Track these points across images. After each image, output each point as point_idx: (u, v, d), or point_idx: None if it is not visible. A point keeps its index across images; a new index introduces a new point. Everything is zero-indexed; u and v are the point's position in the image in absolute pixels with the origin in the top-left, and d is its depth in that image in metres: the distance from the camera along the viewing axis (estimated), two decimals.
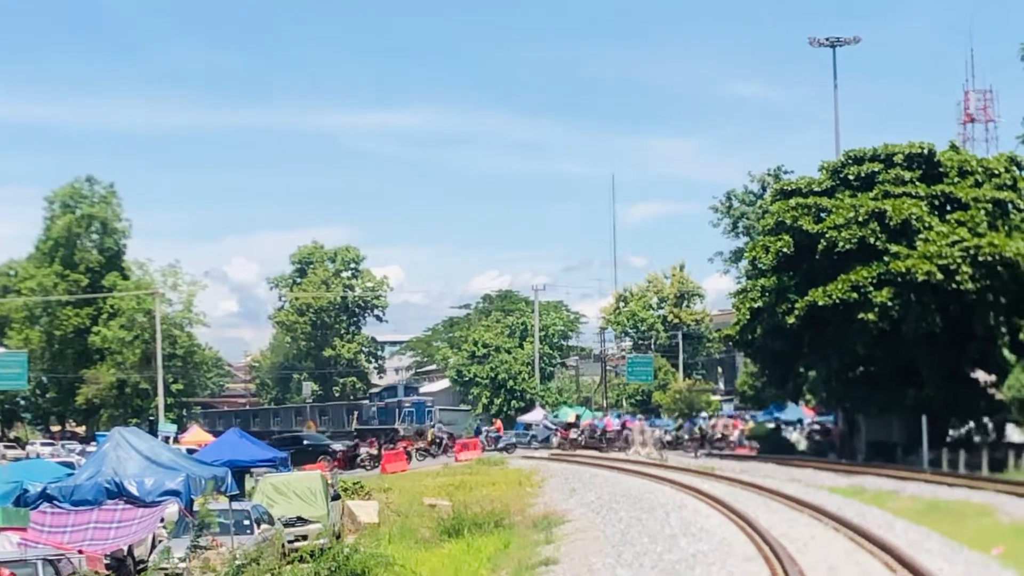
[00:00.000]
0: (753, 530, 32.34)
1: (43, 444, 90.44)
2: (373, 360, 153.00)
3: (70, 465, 50.95)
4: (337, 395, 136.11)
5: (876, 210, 57.10)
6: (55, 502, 29.85)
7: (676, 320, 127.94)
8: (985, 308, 56.78)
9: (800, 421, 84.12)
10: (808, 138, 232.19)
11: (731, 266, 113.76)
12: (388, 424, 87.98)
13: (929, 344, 57.37)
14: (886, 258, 56.08)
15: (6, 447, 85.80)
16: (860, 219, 57.27)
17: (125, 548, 30.13)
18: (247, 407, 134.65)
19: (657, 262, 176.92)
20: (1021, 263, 54.82)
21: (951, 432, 59.04)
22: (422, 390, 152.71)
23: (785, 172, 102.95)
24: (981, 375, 61.16)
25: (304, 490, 38.66)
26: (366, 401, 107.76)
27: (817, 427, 77.33)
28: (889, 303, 55.28)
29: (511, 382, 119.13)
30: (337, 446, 77.88)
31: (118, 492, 29.95)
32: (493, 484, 56.74)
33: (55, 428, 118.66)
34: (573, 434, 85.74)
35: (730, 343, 76.15)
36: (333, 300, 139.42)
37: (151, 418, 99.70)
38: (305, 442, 77.84)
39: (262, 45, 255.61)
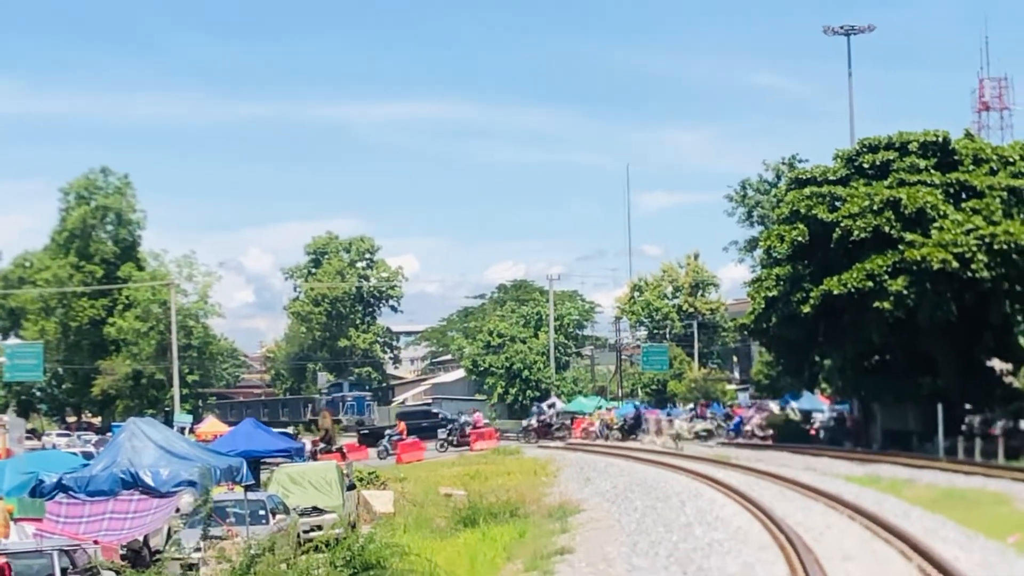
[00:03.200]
0: (768, 519, 32.33)
1: (59, 435, 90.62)
2: (388, 350, 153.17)
3: (87, 455, 51.10)
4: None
5: (891, 198, 56.98)
6: (70, 493, 29.89)
7: (691, 309, 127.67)
8: (1000, 296, 56.68)
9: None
10: (823, 127, 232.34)
11: (746, 255, 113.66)
12: (333, 416, 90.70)
13: (944, 333, 57.25)
14: (901, 247, 55.94)
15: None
16: (875, 208, 57.15)
17: (141, 538, 30.18)
18: (263, 397, 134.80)
19: (672, 251, 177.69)
20: None
21: (966, 420, 58.91)
22: (437, 380, 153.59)
23: (800, 161, 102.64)
24: (997, 363, 61.06)
25: (319, 480, 38.66)
26: (317, 396, 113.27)
27: (834, 415, 77.16)
28: (904, 292, 55.16)
29: (526, 372, 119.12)
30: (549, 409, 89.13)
31: (133, 482, 30.00)
32: (508, 474, 56.78)
33: (71, 419, 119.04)
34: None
35: (745, 332, 76.07)
36: (348, 290, 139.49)
37: (167, 409, 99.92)
38: (438, 413, 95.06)
39: (277, 36, 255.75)
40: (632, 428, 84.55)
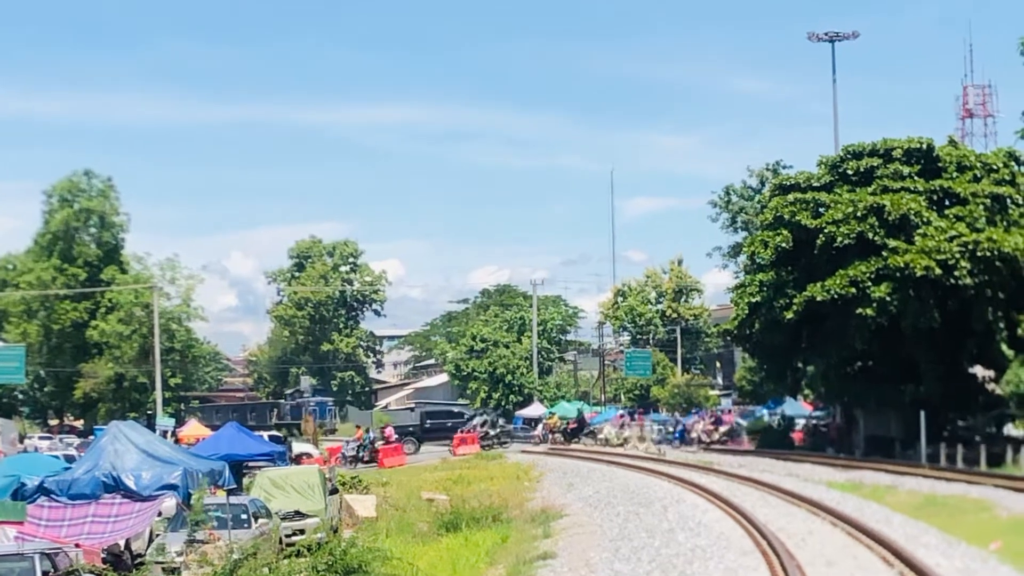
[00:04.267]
0: (751, 524, 32.37)
1: (41, 438, 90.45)
2: (371, 354, 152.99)
3: (69, 459, 50.99)
4: (336, 389, 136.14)
5: (874, 205, 57.10)
6: (52, 496, 29.85)
7: (674, 315, 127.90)
8: (983, 303, 56.74)
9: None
10: (807, 133, 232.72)
11: (729, 261, 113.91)
12: (297, 420, 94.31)
13: (927, 339, 57.36)
14: (884, 253, 56.07)
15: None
16: (858, 214, 57.27)
17: (122, 542, 30.11)
18: (245, 401, 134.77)
19: (656, 257, 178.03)
20: (1019, 258, 54.85)
21: (949, 427, 58.97)
22: (420, 385, 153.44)
23: (784, 167, 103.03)
24: (979, 370, 61.15)
25: (302, 484, 38.61)
26: (282, 400, 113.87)
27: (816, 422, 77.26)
28: (887, 298, 55.28)
29: (509, 376, 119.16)
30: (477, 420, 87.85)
31: (115, 486, 29.96)
32: (491, 478, 56.74)
33: (53, 422, 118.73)
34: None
35: (728, 338, 76.08)
36: (331, 294, 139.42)
37: (149, 412, 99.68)
38: (462, 413, 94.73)
39: (261, 40, 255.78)
40: (575, 432, 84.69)
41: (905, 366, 59.12)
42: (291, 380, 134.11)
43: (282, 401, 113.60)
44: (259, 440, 51.80)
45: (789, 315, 59.58)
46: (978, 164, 59.59)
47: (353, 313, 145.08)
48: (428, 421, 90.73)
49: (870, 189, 58.85)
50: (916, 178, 58.89)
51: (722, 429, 77.94)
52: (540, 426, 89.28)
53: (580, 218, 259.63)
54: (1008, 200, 58.16)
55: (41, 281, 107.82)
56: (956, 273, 54.56)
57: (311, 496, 38.06)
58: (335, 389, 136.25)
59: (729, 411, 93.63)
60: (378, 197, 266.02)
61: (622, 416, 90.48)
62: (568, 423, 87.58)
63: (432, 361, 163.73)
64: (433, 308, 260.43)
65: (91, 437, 71.02)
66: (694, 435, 77.70)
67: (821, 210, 60.20)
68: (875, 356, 61.14)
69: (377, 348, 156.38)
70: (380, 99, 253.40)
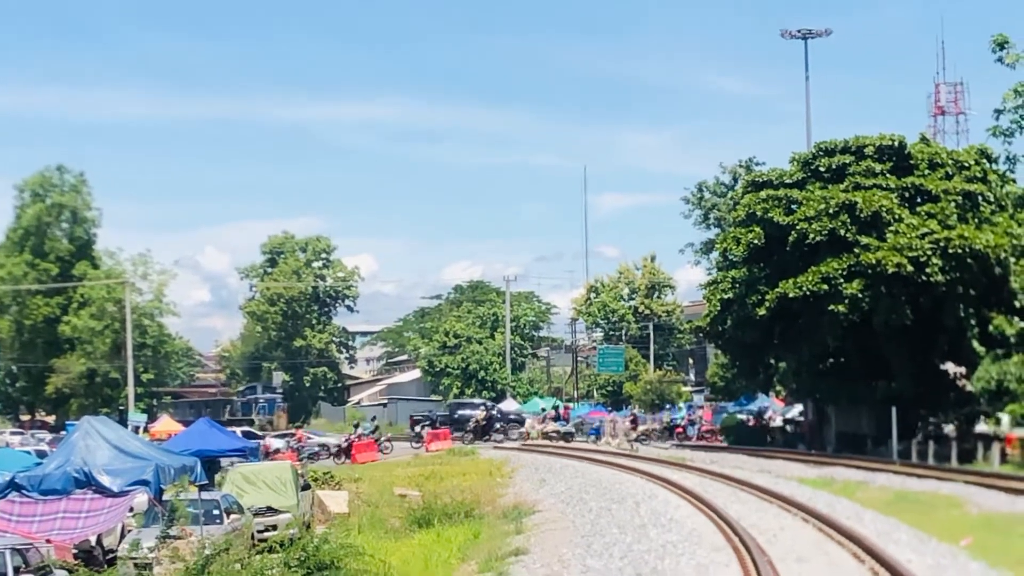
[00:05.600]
0: (722, 520, 32.43)
1: (12, 433, 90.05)
2: (344, 350, 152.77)
3: (41, 454, 50.90)
4: (308, 385, 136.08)
5: (847, 202, 57.25)
6: (23, 491, 29.78)
7: (647, 311, 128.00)
8: (955, 300, 56.93)
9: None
10: (780, 131, 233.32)
11: (702, 257, 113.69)
12: (247, 415, 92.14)
13: (899, 336, 57.53)
14: (856, 250, 56.25)
15: None
16: (831, 211, 57.43)
17: (94, 538, 30.06)
18: (217, 397, 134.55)
19: (629, 253, 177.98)
20: (991, 255, 55.06)
21: (920, 424, 59.13)
22: (392, 381, 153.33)
23: (757, 164, 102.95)
24: (951, 367, 61.34)
25: (274, 480, 38.56)
26: (235, 397, 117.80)
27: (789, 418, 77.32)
28: (859, 295, 55.46)
29: (482, 372, 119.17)
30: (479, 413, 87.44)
31: (87, 482, 29.91)
32: (464, 474, 56.71)
33: (25, 417, 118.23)
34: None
35: (701, 334, 76.28)
36: (304, 290, 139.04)
37: (121, 408, 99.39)
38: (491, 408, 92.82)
39: (234, 36, 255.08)
40: (485, 429, 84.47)
41: (877, 363, 59.31)
42: (263, 376, 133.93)
43: (234, 398, 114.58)
44: (231, 436, 51.77)
45: (761, 312, 59.73)
46: (950, 161, 59.81)
47: (326, 309, 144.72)
48: (457, 412, 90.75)
49: (842, 186, 59.00)
50: (888, 175, 59.08)
51: (641, 428, 77.79)
52: (529, 421, 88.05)
53: (553, 215, 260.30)
54: (979, 197, 58.37)
55: (13, 276, 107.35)
56: (928, 270, 54.75)
57: (283, 492, 38.01)
58: (307, 385, 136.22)
59: (702, 407, 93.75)
60: (351, 193, 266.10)
61: (544, 410, 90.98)
62: (476, 420, 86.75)
63: (405, 357, 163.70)
64: (406, 304, 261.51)
65: (63, 433, 70.77)
66: (609, 434, 77.64)
67: (793, 207, 60.33)
68: (847, 353, 61.29)
69: (350, 344, 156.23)
70: (352, 96, 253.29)
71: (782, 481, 45.27)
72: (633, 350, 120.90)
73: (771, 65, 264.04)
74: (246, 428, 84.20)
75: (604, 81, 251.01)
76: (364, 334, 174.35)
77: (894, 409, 54.11)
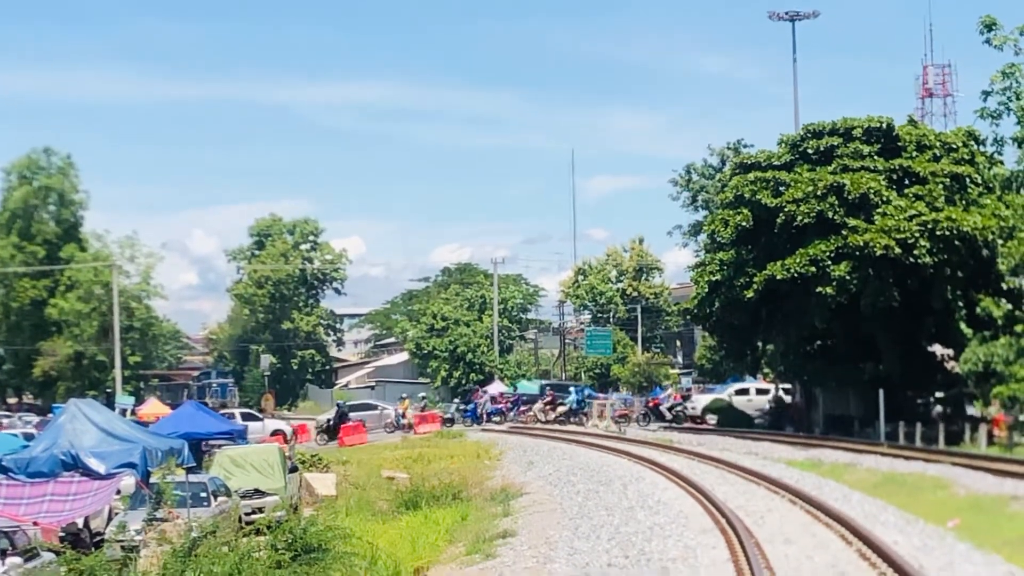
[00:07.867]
0: (710, 502, 32.50)
1: None
2: (332, 333, 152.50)
3: (28, 437, 50.82)
4: (296, 367, 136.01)
5: (835, 184, 57.25)
6: (10, 474, 29.77)
7: (635, 293, 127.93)
8: (942, 282, 57.00)
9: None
10: (768, 112, 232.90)
11: (690, 240, 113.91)
12: (202, 398, 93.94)
13: (887, 318, 57.57)
14: (844, 232, 56.27)
15: None
16: (819, 193, 57.43)
17: (81, 521, 30.02)
18: (179, 381, 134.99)
19: (617, 235, 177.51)
20: (978, 237, 55.09)
21: (908, 405, 59.20)
22: (380, 363, 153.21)
23: (745, 146, 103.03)
24: (938, 349, 61.44)
25: (261, 462, 38.54)
26: (191, 380, 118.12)
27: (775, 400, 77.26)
28: (847, 277, 55.49)
29: (470, 355, 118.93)
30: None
31: (74, 464, 29.90)
32: (451, 457, 56.79)
33: (12, 400, 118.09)
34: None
35: (688, 317, 76.25)
36: (292, 273, 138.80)
37: (108, 390, 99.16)
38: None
39: (221, 18, 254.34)
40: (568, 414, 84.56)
41: (864, 345, 59.38)
42: (251, 358, 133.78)
43: (190, 382, 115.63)
44: (219, 418, 51.78)
45: (749, 294, 59.75)
46: (937, 143, 59.82)
47: (313, 291, 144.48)
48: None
49: (830, 168, 59.00)
50: (876, 157, 59.10)
51: (560, 409, 77.97)
52: (538, 405, 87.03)
53: (541, 197, 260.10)
54: (967, 179, 58.31)
55: None
56: (915, 252, 54.81)
57: (271, 474, 38.01)
58: (295, 368, 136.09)
59: (690, 389, 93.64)
60: (339, 175, 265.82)
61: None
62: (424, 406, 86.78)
63: (393, 340, 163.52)
64: (394, 287, 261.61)
65: (50, 415, 70.64)
66: (597, 416, 77.91)
67: (781, 189, 60.30)
68: (834, 335, 61.33)
69: (337, 327, 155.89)
70: (340, 77, 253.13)
71: (769, 463, 45.39)
72: (621, 332, 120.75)
73: (759, 47, 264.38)
74: (246, 410, 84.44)
75: (593, 63, 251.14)
76: (352, 316, 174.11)
77: (881, 391, 54.26)
